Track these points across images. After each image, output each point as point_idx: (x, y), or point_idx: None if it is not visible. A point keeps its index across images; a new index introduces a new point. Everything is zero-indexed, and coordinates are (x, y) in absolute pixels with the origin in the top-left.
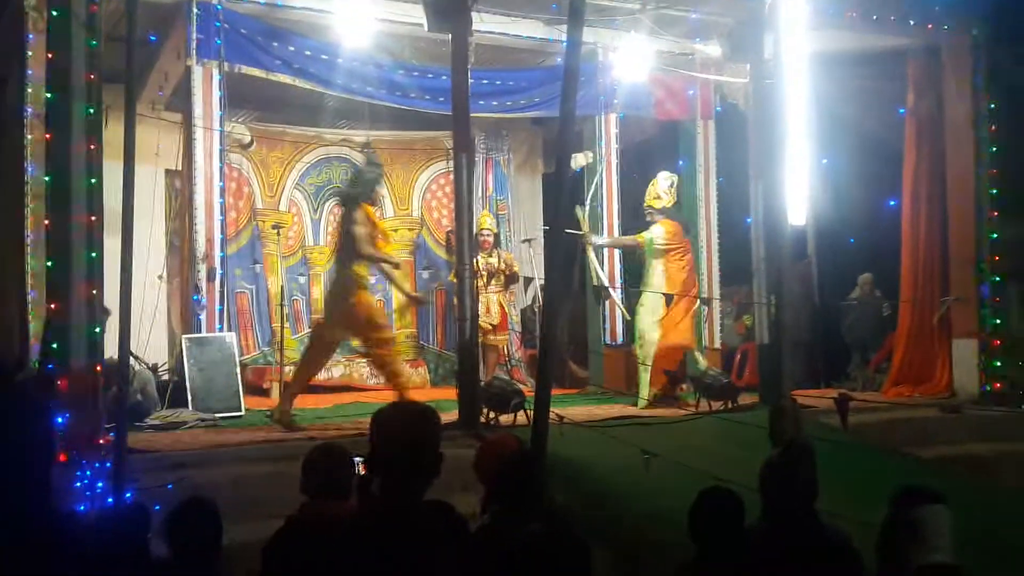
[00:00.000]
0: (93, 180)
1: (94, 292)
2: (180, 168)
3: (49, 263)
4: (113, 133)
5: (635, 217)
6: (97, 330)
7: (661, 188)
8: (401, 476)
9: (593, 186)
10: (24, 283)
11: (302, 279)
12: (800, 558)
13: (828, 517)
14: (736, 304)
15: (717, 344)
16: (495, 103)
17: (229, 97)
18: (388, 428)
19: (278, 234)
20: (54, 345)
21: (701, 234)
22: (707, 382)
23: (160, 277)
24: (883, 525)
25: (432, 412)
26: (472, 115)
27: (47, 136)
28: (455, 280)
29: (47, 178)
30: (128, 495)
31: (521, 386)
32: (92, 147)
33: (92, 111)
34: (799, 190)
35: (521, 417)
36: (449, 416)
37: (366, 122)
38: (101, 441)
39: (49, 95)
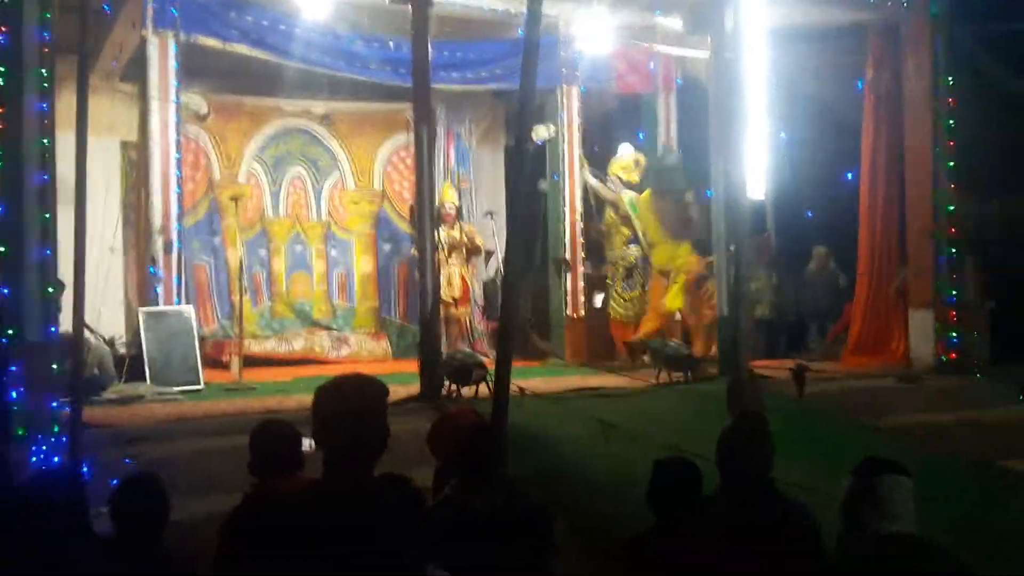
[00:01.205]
0: (46, 140)
1: (47, 260)
2: (136, 140)
3: None
4: (67, 105)
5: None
6: (51, 300)
7: (626, 161)
8: (346, 452)
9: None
10: None
11: (262, 252)
12: (757, 528)
13: (786, 487)
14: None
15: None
16: (456, 75)
17: (185, 68)
18: (330, 403)
19: (236, 206)
20: (4, 317)
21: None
22: (668, 353)
23: (112, 249)
24: (845, 494)
25: (376, 385)
26: (433, 87)
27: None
28: (416, 254)
29: None
30: (79, 468)
31: (483, 358)
32: (45, 122)
33: (46, 84)
34: (758, 164)
35: (483, 389)
36: (412, 389)
37: (326, 93)
38: (57, 416)
39: (2, 68)
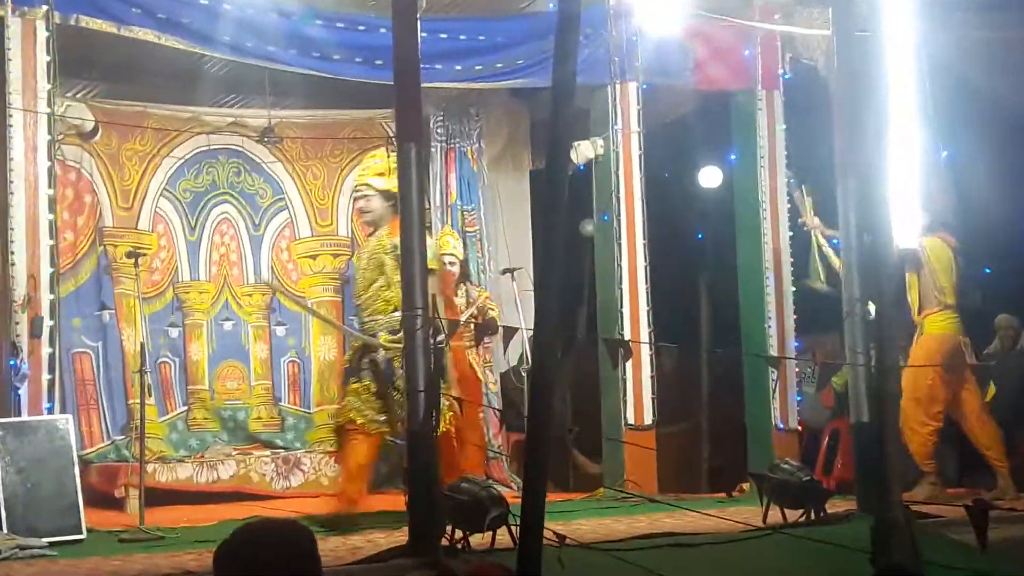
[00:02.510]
0: None
1: None
2: None
3: None
4: None
5: (668, 236)
6: None
7: None
8: None
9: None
10: None
11: (173, 333)
12: None
13: None
14: (819, 364)
15: (793, 423)
16: (459, 67)
17: (63, 63)
18: (236, 567)
19: (136, 265)
20: None
21: (766, 259)
22: (779, 481)
23: None
24: None
25: (302, 534)
26: (425, 85)
27: None
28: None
29: None
30: None
31: (502, 490)
32: None
33: None
34: (909, 194)
35: (503, 536)
36: (396, 537)
37: (268, 98)
38: None
39: None
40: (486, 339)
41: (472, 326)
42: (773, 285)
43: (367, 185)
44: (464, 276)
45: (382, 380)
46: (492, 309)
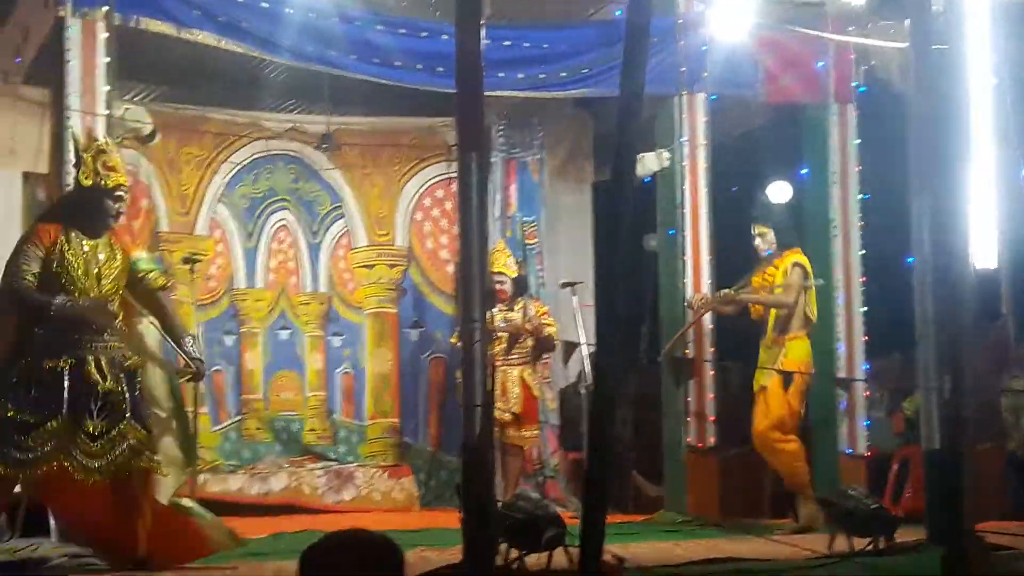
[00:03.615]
0: None
1: None
2: (47, 171)
3: None
4: None
5: (734, 253)
6: None
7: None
8: None
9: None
10: None
11: (228, 341)
12: None
13: None
14: (890, 387)
15: (861, 449)
16: (521, 76)
17: (122, 66)
18: (323, 574)
19: (192, 271)
20: None
21: (836, 279)
22: (847, 508)
23: None
24: None
25: (388, 549)
26: (488, 94)
27: None
28: (459, 345)
29: None
30: None
31: (559, 509)
32: None
33: None
34: (987, 215)
35: (560, 557)
36: (451, 555)
37: (327, 104)
38: None
39: None
40: (544, 356)
41: (530, 341)
42: (843, 305)
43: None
44: (521, 291)
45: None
46: (550, 325)
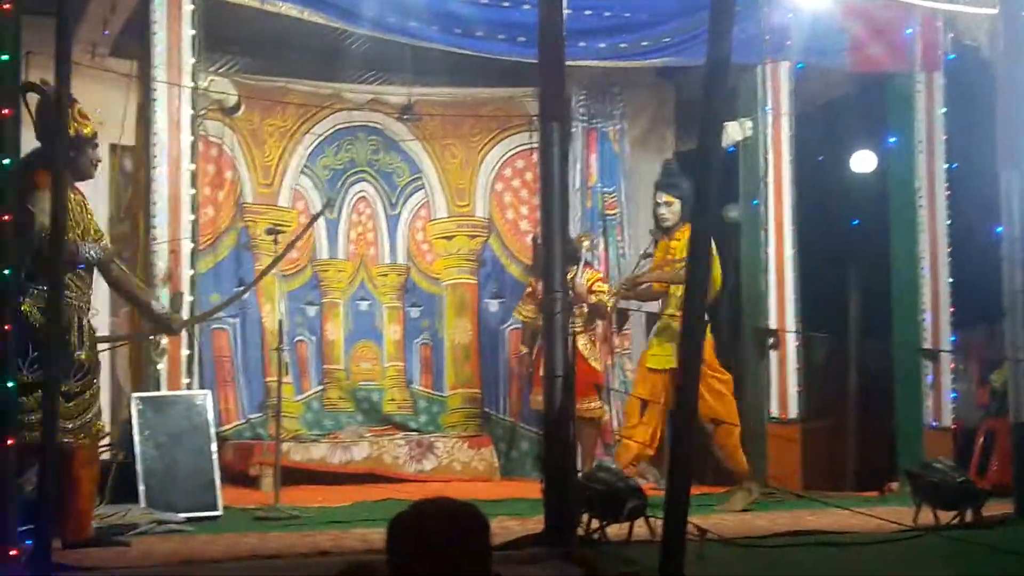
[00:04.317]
0: (7, 161)
1: (6, 328)
2: (133, 143)
3: None
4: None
5: (818, 223)
6: (10, 385)
7: None
8: None
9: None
10: None
11: (310, 311)
12: None
13: None
14: (976, 359)
15: (947, 421)
16: (603, 45)
17: (207, 38)
18: (410, 542)
19: (276, 242)
20: None
21: (922, 249)
22: (932, 480)
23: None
24: None
25: (477, 518)
26: (569, 63)
27: None
28: (523, 317)
29: None
30: None
31: (639, 481)
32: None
33: (7, 56)
34: None
35: (640, 527)
36: (532, 524)
37: (408, 75)
38: (13, 552)
39: None
40: (596, 322)
41: (583, 308)
42: (928, 276)
43: (597, 292)
44: (573, 259)
45: None
46: (599, 292)
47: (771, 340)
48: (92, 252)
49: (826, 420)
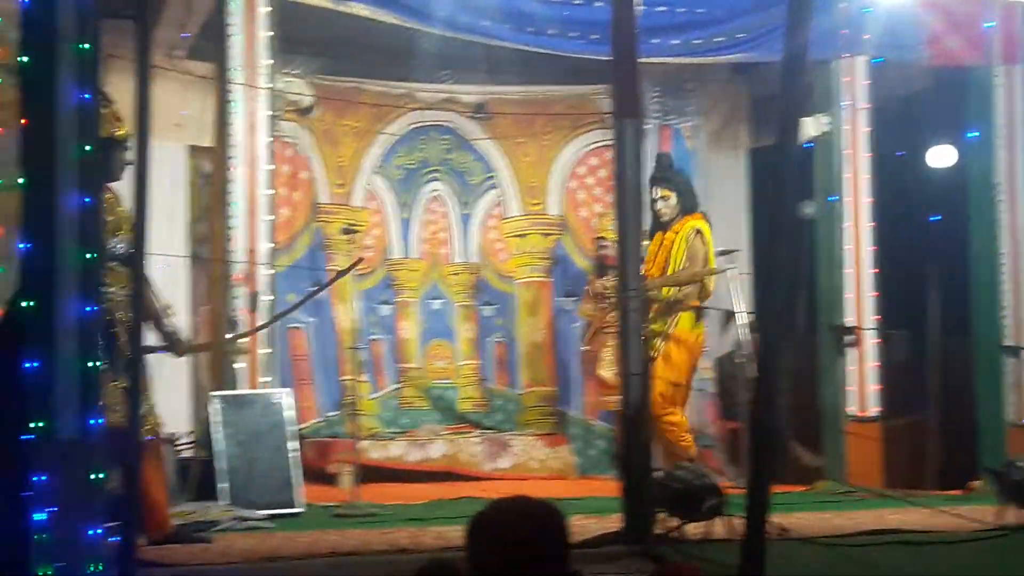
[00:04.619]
0: (88, 147)
1: (90, 319)
2: (211, 144)
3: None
4: (116, 93)
5: (896, 219)
6: (93, 365)
7: None
8: None
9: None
10: None
11: (384, 310)
12: None
13: None
14: None
15: None
16: (676, 42)
17: (282, 39)
18: (489, 540)
19: (350, 242)
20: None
21: (1002, 245)
22: (1016, 479)
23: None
24: None
25: (556, 516)
26: (642, 61)
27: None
28: (584, 315)
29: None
30: None
31: (717, 479)
32: (87, 120)
33: (89, 65)
34: None
35: (719, 526)
36: (609, 523)
37: (481, 74)
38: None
39: (24, 30)
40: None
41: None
42: (1009, 273)
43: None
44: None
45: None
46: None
47: (849, 338)
48: (119, 247)
49: (907, 418)
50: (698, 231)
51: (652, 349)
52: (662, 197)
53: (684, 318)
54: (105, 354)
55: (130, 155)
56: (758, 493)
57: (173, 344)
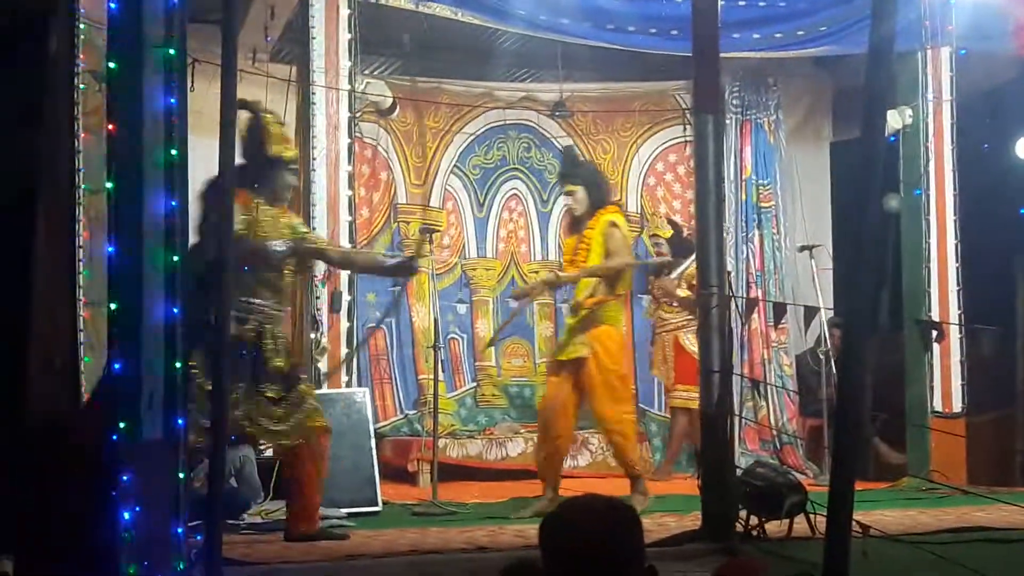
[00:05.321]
0: (174, 151)
1: (175, 321)
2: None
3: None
4: (201, 97)
5: (981, 213)
6: (178, 365)
7: None
8: None
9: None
10: (74, 305)
11: (461, 308)
12: None
13: None
14: None
15: None
16: (757, 36)
17: (362, 41)
18: (563, 540)
19: (429, 241)
20: (117, 404)
21: None
22: None
23: None
24: None
25: (629, 514)
26: (723, 55)
27: (107, 95)
28: (649, 315)
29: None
30: None
31: (798, 476)
32: (173, 124)
33: (175, 69)
34: None
35: (800, 524)
36: (689, 521)
37: (560, 71)
38: (183, 546)
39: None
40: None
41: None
42: None
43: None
44: (682, 250)
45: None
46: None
47: (934, 333)
48: (275, 248)
49: (992, 414)
50: (613, 223)
51: (575, 351)
52: (569, 192)
53: (612, 310)
54: (247, 368)
55: (293, 178)
56: (842, 490)
57: (408, 264)
